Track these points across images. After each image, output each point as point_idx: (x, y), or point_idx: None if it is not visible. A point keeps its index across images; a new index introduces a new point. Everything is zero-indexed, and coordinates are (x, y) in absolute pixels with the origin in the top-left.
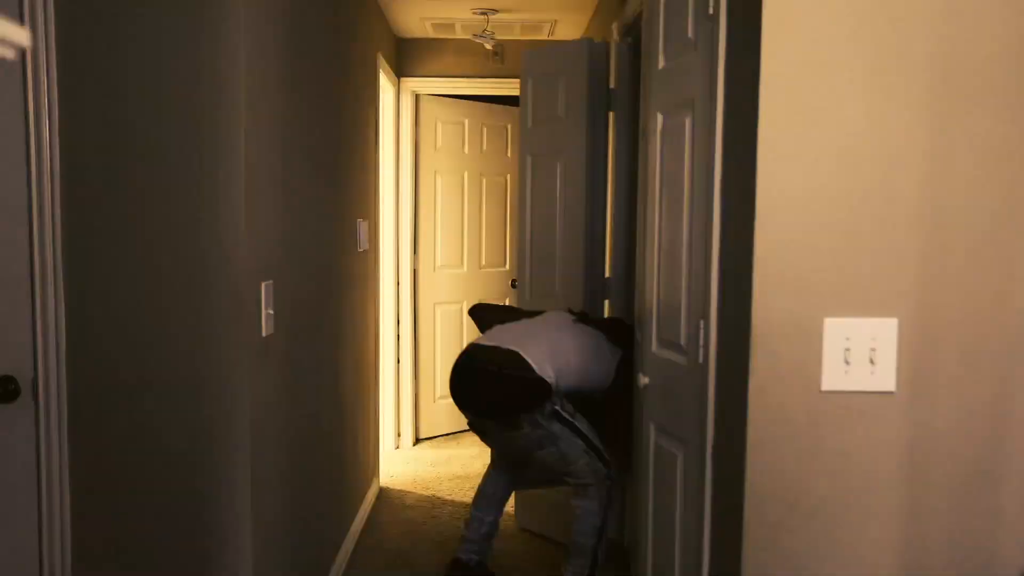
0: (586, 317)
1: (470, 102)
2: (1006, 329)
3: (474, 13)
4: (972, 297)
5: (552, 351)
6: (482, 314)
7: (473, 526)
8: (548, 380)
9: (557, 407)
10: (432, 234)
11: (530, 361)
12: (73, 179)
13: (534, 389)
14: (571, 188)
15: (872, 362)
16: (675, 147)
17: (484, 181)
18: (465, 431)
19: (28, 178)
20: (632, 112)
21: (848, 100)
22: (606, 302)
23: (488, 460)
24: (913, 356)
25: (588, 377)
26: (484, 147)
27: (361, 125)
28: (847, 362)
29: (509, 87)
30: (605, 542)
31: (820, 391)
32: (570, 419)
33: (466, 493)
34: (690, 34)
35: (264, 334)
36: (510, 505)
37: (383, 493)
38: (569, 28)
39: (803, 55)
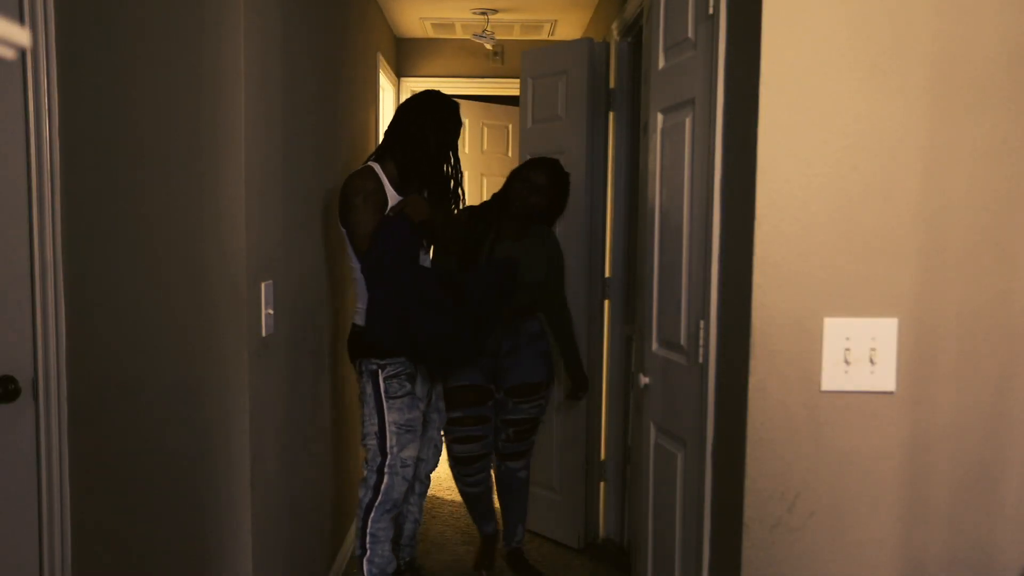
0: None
1: (470, 102)
2: (1006, 329)
3: (474, 13)
4: (972, 297)
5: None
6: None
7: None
8: (359, 324)
9: (375, 368)
10: None
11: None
12: (73, 179)
13: (352, 337)
14: (571, 188)
15: (872, 362)
16: (675, 147)
17: (485, 181)
18: None
19: (28, 178)
20: (632, 112)
21: (848, 100)
22: (606, 302)
23: None
24: (913, 356)
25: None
26: (485, 147)
27: (361, 125)
28: (847, 362)
29: (509, 87)
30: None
31: (820, 391)
32: (382, 394)
33: None
34: (690, 34)
35: (264, 334)
36: None
37: None
38: (569, 28)
39: (803, 55)
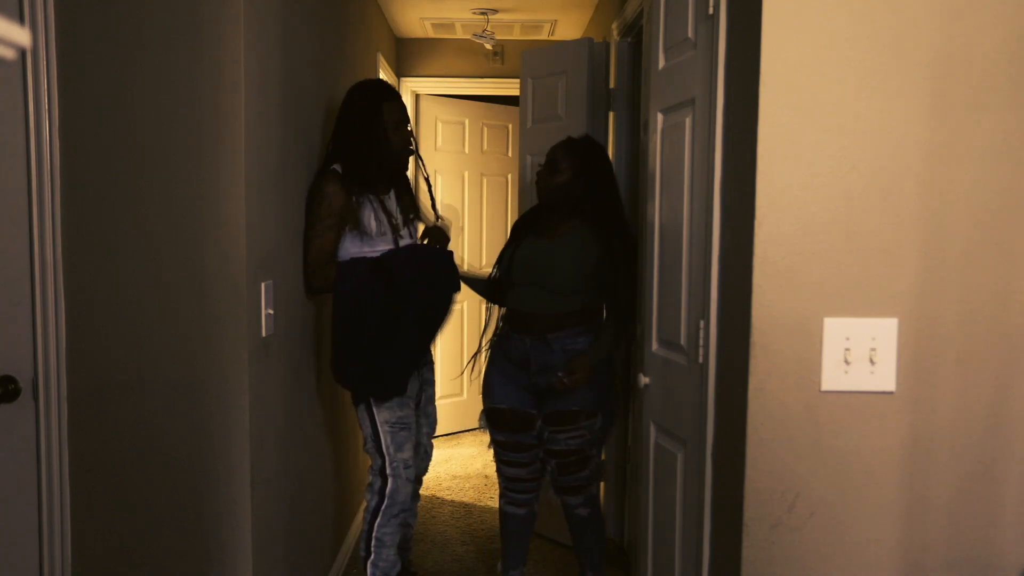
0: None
1: (470, 102)
2: (1006, 329)
3: (474, 13)
4: (972, 297)
5: None
6: None
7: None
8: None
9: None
10: None
11: None
12: (73, 179)
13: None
14: None
15: (872, 362)
16: (675, 147)
17: (485, 181)
18: (465, 431)
19: (28, 178)
20: (632, 112)
21: (848, 99)
22: None
23: (488, 460)
24: (913, 356)
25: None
26: (485, 147)
27: None
28: (847, 362)
29: (509, 87)
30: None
31: (820, 391)
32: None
33: (465, 493)
34: (690, 34)
35: (264, 334)
36: None
37: None
38: (569, 28)
39: (803, 55)
